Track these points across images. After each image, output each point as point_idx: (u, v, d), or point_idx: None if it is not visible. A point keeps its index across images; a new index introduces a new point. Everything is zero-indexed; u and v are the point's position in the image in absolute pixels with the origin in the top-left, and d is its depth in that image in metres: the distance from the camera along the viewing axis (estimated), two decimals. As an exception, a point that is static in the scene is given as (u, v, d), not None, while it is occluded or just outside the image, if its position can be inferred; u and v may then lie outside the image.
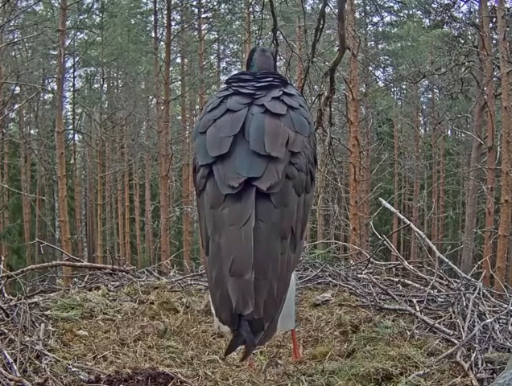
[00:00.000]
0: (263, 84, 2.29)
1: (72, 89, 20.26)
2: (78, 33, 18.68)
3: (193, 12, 19.36)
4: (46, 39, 16.03)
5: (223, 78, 21.95)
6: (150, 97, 23.14)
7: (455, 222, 22.06)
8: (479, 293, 2.99)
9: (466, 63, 12.88)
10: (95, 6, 19.02)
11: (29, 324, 2.74)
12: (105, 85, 23.28)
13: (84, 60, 20.11)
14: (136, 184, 22.86)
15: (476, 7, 13.13)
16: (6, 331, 2.61)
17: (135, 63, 20.97)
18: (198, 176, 2.13)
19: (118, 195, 22.60)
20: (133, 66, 21.00)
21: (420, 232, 4.02)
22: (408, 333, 2.75)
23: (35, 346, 2.46)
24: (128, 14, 20.04)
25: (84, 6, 17.83)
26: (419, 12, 18.05)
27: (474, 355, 2.38)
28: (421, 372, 2.26)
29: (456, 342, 2.57)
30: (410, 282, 3.72)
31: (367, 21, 19.55)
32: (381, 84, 18.38)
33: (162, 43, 16.87)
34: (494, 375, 2.24)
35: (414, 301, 3.19)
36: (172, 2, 16.16)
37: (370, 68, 17.13)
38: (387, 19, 19.75)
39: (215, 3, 18.88)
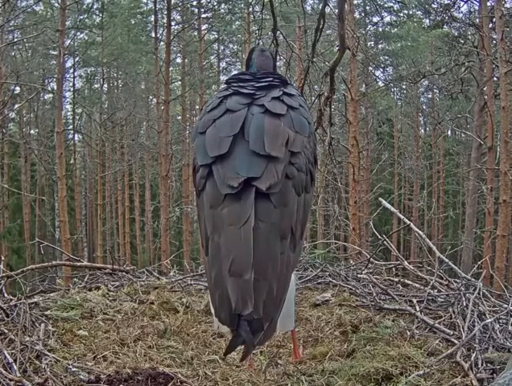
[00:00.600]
0: (263, 84, 2.29)
1: (72, 89, 20.26)
2: (78, 33, 18.68)
3: (193, 12, 19.36)
4: (46, 38, 16.03)
5: (223, 78, 21.97)
6: (150, 97, 23.17)
7: (455, 222, 22.06)
8: (479, 293, 2.99)
9: (466, 64, 12.89)
10: (95, 6, 19.02)
11: (29, 324, 2.74)
12: (105, 85, 23.29)
13: (84, 60, 20.09)
14: (136, 184, 22.86)
15: (476, 7, 13.15)
16: (6, 331, 2.61)
17: (135, 63, 20.97)
18: (198, 176, 2.13)
19: (118, 194, 22.61)
20: (133, 66, 21.00)
21: (420, 232, 4.01)
22: (408, 333, 2.75)
23: (35, 346, 2.46)
24: (128, 14, 20.03)
25: (84, 6, 17.83)
26: (419, 12, 18.05)
27: (474, 355, 2.38)
28: (421, 372, 2.26)
29: (456, 342, 2.57)
30: (410, 282, 3.72)
31: (367, 21, 19.55)
32: (381, 84, 18.38)
33: (162, 43, 16.88)
34: (494, 375, 2.24)
35: (414, 301, 3.19)
36: (172, 2, 16.16)
37: (370, 68, 17.11)
38: (387, 19, 19.76)
39: (215, 3, 18.89)
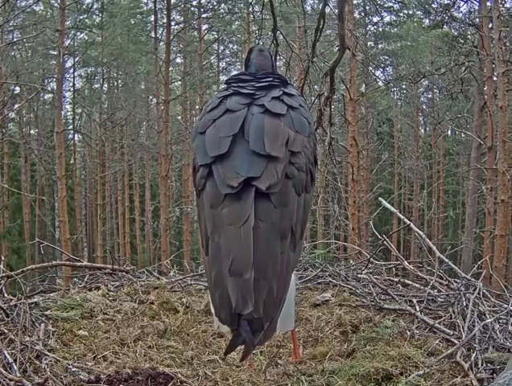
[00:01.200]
0: (263, 84, 2.29)
1: (72, 89, 20.26)
2: (78, 33, 18.69)
3: (193, 12, 19.36)
4: (45, 38, 16.03)
5: (222, 78, 21.97)
6: (150, 97, 23.17)
7: (455, 222, 22.06)
8: (479, 293, 2.98)
9: (466, 63, 12.89)
10: (95, 6, 19.03)
11: (29, 324, 2.74)
12: (105, 85, 23.29)
13: (84, 60, 20.10)
14: (136, 184, 22.86)
15: (476, 7, 13.15)
16: (6, 331, 2.61)
17: (135, 63, 20.97)
18: (198, 176, 2.13)
19: (118, 194, 22.61)
20: (133, 66, 21.01)
21: (420, 232, 4.01)
22: (408, 333, 2.74)
23: (35, 346, 2.46)
24: (128, 14, 20.03)
25: (84, 6, 17.83)
26: (418, 12, 18.05)
27: (474, 355, 2.37)
28: (421, 372, 2.25)
29: (456, 342, 2.57)
30: (410, 282, 3.71)
31: (367, 21, 19.56)
32: (380, 83, 18.38)
33: (162, 43, 16.88)
34: (494, 375, 2.24)
35: (414, 301, 3.19)
36: (172, 2, 16.16)
37: (370, 68, 17.11)
38: (387, 19, 19.78)
39: (215, 3, 18.88)
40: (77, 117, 21.95)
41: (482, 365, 2.31)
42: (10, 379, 2.12)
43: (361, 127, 17.70)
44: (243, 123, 2.08)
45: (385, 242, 4.08)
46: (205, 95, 19.89)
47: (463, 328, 2.65)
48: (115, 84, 23.88)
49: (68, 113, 22.50)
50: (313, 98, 5.96)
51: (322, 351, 2.64)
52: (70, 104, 20.49)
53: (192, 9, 19.20)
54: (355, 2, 15.56)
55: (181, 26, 18.26)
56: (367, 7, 18.59)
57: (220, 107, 2.20)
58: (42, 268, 4.02)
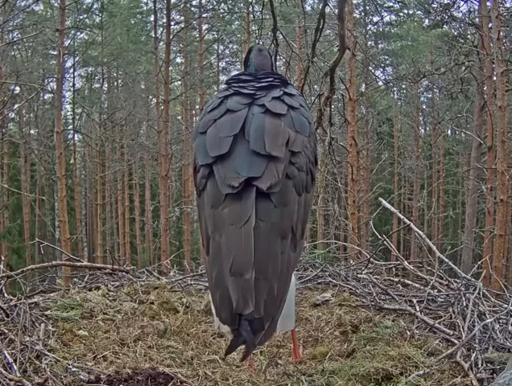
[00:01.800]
0: (263, 84, 2.29)
1: (72, 89, 20.26)
2: (78, 33, 18.68)
3: (193, 12, 19.36)
4: (45, 38, 16.03)
5: (222, 78, 21.98)
6: (150, 97, 23.17)
7: (455, 222, 22.06)
8: (479, 293, 2.98)
9: (466, 63, 12.89)
10: (95, 6, 19.02)
11: (29, 324, 2.74)
12: (105, 85, 23.29)
13: (84, 60, 20.10)
14: (136, 184, 22.86)
15: (476, 7, 13.15)
16: (6, 331, 2.61)
17: (135, 62, 20.97)
18: (198, 176, 2.13)
19: (118, 194, 22.61)
20: (133, 66, 21.00)
21: (420, 231, 4.01)
22: (408, 333, 2.75)
23: (35, 346, 2.46)
24: (127, 13, 20.03)
25: (84, 6, 17.83)
26: (419, 12, 18.05)
27: (474, 355, 2.38)
28: (421, 372, 2.26)
29: (456, 342, 2.57)
30: (410, 282, 3.71)
31: (367, 20, 19.56)
32: (380, 83, 18.38)
33: (161, 42, 16.88)
34: (494, 375, 2.24)
35: (414, 301, 3.19)
36: (172, 2, 16.15)
37: (370, 68, 17.12)
38: (387, 19, 19.78)
39: (215, 3, 18.88)
40: (77, 117, 21.94)
41: (482, 365, 2.31)
42: (10, 379, 2.12)
43: (360, 127, 17.71)
44: (244, 123, 2.08)
45: (385, 242, 4.08)
46: (205, 95, 19.89)
47: (463, 328, 2.65)
48: (115, 83, 23.88)
49: (68, 113, 22.52)
50: (313, 98, 5.96)
51: (322, 351, 2.64)
52: (70, 104, 20.50)
53: (192, 9, 19.21)
54: (355, 1, 15.57)
55: (181, 25, 18.25)
56: (367, 7, 18.59)
57: (220, 107, 2.20)
58: (42, 268, 4.02)
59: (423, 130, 24.45)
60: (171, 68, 17.89)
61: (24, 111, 20.93)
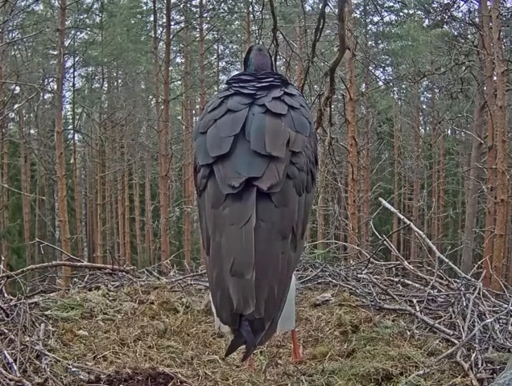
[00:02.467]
0: (264, 84, 2.29)
1: (72, 89, 20.27)
2: (78, 33, 18.69)
3: (193, 12, 19.36)
4: (45, 38, 16.04)
5: (222, 78, 21.99)
6: (150, 97, 23.17)
7: (455, 222, 22.07)
8: (479, 293, 2.98)
9: (466, 63, 12.89)
10: (95, 6, 19.03)
11: (29, 324, 2.74)
12: (105, 85, 23.29)
13: (84, 60, 20.10)
14: (136, 184, 22.87)
15: (476, 7, 13.15)
16: (6, 331, 2.61)
17: (135, 62, 20.98)
18: (199, 176, 2.12)
19: (118, 194, 22.61)
20: (133, 66, 21.01)
21: (420, 231, 4.02)
22: (408, 333, 2.75)
23: (35, 346, 2.46)
24: (127, 13, 20.04)
25: (84, 6, 17.83)
26: (419, 12, 18.05)
27: (474, 355, 2.38)
28: (421, 372, 2.26)
29: (456, 342, 2.57)
30: (410, 282, 3.72)
31: (367, 20, 19.56)
32: (381, 83, 18.38)
33: (161, 42, 16.88)
34: (494, 375, 2.24)
35: (414, 301, 3.19)
36: (172, 2, 16.15)
37: (370, 68, 17.12)
38: (387, 19, 19.78)
39: (215, 3, 18.88)
40: (77, 117, 21.95)
41: (482, 365, 2.32)
42: (10, 379, 2.12)
43: (361, 127, 17.71)
44: (244, 123, 2.08)
45: (385, 242, 4.08)
46: (206, 95, 19.90)
47: (463, 328, 2.65)
48: (115, 83, 23.88)
49: (68, 113, 22.54)
50: (313, 98, 5.96)
51: (322, 351, 2.64)
52: (70, 103, 20.51)
53: (192, 9, 19.21)
54: (355, 1, 15.57)
55: (181, 25, 18.25)
56: (367, 7, 18.59)
57: (221, 107, 2.20)
58: (42, 268, 4.03)
59: (423, 130, 24.48)
60: (171, 68, 17.89)
61: (24, 111, 20.92)
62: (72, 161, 22.66)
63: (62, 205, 12.46)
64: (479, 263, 4.36)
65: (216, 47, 22.56)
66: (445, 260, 3.62)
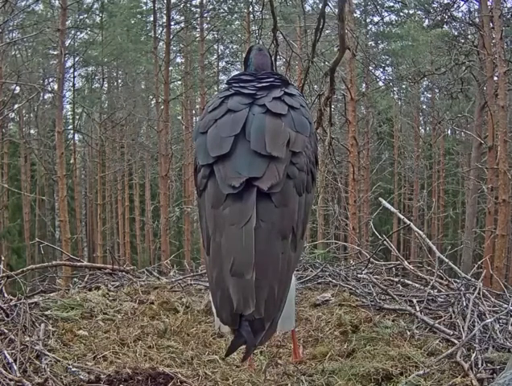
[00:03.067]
0: (264, 84, 2.29)
1: (72, 89, 20.27)
2: (78, 33, 18.69)
3: (193, 12, 19.36)
4: (46, 38, 16.04)
5: (222, 78, 21.99)
6: (150, 97, 23.18)
7: (455, 222, 22.06)
8: (479, 293, 2.98)
9: (466, 63, 12.88)
10: (95, 6, 19.02)
11: (29, 324, 2.74)
12: (105, 85, 23.29)
13: (85, 60, 20.10)
14: (136, 184, 22.87)
15: (476, 7, 13.15)
16: (6, 331, 2.61)
17: (135, 62, 20.98)
18: (199, 176, 2.12)
19: (118, 194, 22.62)
20: (133, 66, 21.01)
21: (420, 231, 4.02)
22: (408, 333, 2.75)
23: (35, 346, 2.46)
24: (128, 13, 20.04)
25: (85, 6, 17.83)
26: (419, 12, 18.04)
27: (474, 355, 2.38)
28: (421, 372, 2.26)
29: (456, 342, 2.57)
30: (410, 282, 3.72)
31: (367, 20, 19.56)
32: (381, 83, 18.38)
33: (161, 42, 16.87)
34: (494, 375, 2.24)
35: (414, 301, 3.19)
36: (172, 2, 16.15)
37: (370, 68, 17.12)
38: (387, 19, 19.78)
39: (215, 3, 18.88)
40: (77, 117, 21.95)
41: (482, 365, 2.32)
42: (10, 379, 2.12)
43: (361, 127, 17.71)
44: (245, 123, 2.08)
45: (385, 242, 4.08)
46: (206, 95, 19.91)
47: (463, 328, 2.65)
48: (115, 83, 23.88)
49: (68, 113, 22.53)
50: (313, 98, 5.96)
51: (322, 351, 2.64)
52: (70, 103, 20.51)
53: (193, 9, 19.21)
54: (355, 1, 15.56)
55: (181, 25, 18.25)
56: (368, 7, 18.59)
57: (221, 107, 2.20)
58: (42, 268, 4.03)
59: (423, 130, 24.48)
60: (171, 68, 17.89)
61: (24, 111, 20.91)
62: (72, 161, 22.65)
63: (62, 205, 12.45)
64: (479, 263, 4.36)
65: (216, 47, 22.55)
66: (445, 260, 3.62)
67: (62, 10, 12.02)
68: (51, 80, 20.04)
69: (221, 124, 2.13)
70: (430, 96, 21.96)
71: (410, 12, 19.18)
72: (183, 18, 18.65)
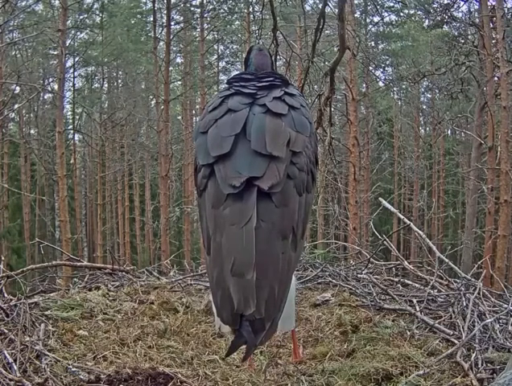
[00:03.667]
0: (264, 83, 2.29)
1: (72, 89, 20.26)
2: (78, 33, 18.69)
3: (193, 12, 19.36)
4: (46, 38, 16.03)
5: (222, 78, 21.99)
6: (150, 97, 23.18)
7: (455, 222, 22.07)
8: (479, 293, 2.98)
9: (466, 63, 12.88)
10: (95, 6, 19.02)
11: (29, 324, 2.74)
12: (105, 85, 23.29)
13: (85, 60, 20.10)
14: (136, 184, 22.87)
15: (476, 7, 13.16)
16: (6, 331, 2.61)
17: (135, 62, 20.98)
18: (199, 176, 2.12)
19: (118, 194, 22.62)
20: (133, 66, 21.01)
21: (420, 231, 4.01)
22: (408, 333, 2.75)
23: (35, 346, 2.46)
24: (128, 13, 20.04)
25: (85, 6, 17.83)
26: (419, 12, 18.05)
27: (474, 355, 2.38)
28: (421, 372, 2.26)
29: (456, 342, 2.57)
30: (410, 282, 3.72)
31: (367, 21, 19.56)
32: (381, 83, 18.38)
33: (162, 42, 16.88)
34: (494, 375, 2.24)
35: (414, 301, 3.19)
36: (172, 2, 16.15)
37: (370, 68, 17.11)
38: (387, 19, 19.79)
39: (215, 3, 18.88)
40: (77, 117, 21.95)
41: (482, 365, 2.32)
42: (10, 379, 2.12)
43: (361, 127, 17.70)
44: (245, 123, 2.08)
45: (385, 242, 4.08)
46: (206, 95, 19.92)
47: (463, 328, 2.65)
48: (115, 83, 23.89)
49: (69, 113, 22.53)
50: (313, 98, 5.96)
51: (322, 351, 2.64)
52: (70, 103, 20.50)
53: (192, 9, 19.21)
54: (355, 1, 15.56)
55: (181, 25, 18.25)
56: (368, 7, 18.59)
57: (221, 107, 2.20)
58: (42, 268, 4.03)
59: (423, 130, 24.48)
60: (171, 68, 17.89)
61: (24, 111, 20.92)
62: (72, 161, 22.65)
63: (63, 205, 12.46)
64: (479, 263, 4.36)
65: (216, 47, 22.56)
66: (445, 260, 3.62)
67: (63, 10, 12.02)
68: (51, 80, 20.04)
69: (222, 123, 2.13)
70: (430, 96, 21.98)
71: (411, 12, 19.20)
72: (182, 18, 18.64)
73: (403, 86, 21.03)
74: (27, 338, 2.53)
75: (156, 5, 16.75)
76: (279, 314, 1.93)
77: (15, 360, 2.27)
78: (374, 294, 3.37)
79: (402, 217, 4.41)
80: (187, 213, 17.17)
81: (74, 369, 2.27)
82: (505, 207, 10.06)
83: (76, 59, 19.86)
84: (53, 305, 3.12)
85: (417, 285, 3.59)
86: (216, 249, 1.94)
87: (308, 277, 3.97)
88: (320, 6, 6.10)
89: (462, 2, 13.65)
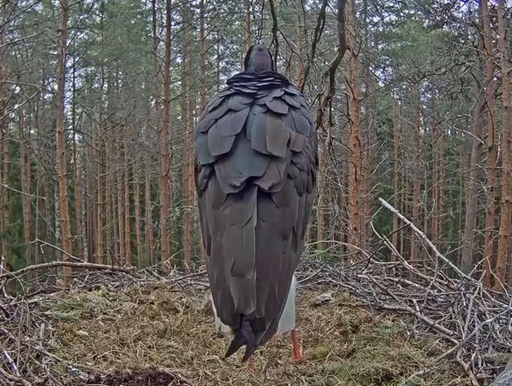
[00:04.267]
0: (265, 83, 2.29)
1: (72, 89, 20.26)
2: (78, 33, 18.69)
3: (193, 12, 19.36)
4: (46, 38, 16.03)
5: (222, 78, 21.99)
6: (150, 97, 23.18)
7: (455, 222, 22.07)
8: (479, 293, 2.98)
9: (466, 63, 12.89)
10: (95, 6, 19.02)
11: (29, 324, 2.74)
12: (105, 85, 23.29)
13: (85, 60, 20.10)
14: (136, 184, 22.87)
15: (476, 7, 13.16)
16: (6, 331, 2.61)
17: (135, 63, 20.98)
18: (200, 176, 2.12)
19: (118, 195, 22.62)
20: (133, 66, 21.01)
21: (420, 232, 4.01)
22: (408, 333, 2.75)
23: (35, 346, 2.46)
24: (128, 13, 20.04)
25: (85, 6, 17.82)
26: (419, 12, 18.05)
27: (474, 355, 2.38)
28: (421, 372, 2.26)
29: (456, 342, 2.57)
30: (410, 282, 3.72)
31: (367, 21, 19.56)
32: (381, 84, 18.38)
33: (162, 42, 16.87)
34: (494, 375, 2.24)
35: (414, 301, 3.19)
36: (172, 2, 16.14)
37: (370, 68, 17.11)
38: (387, 19, 19.79)
39: (215, 3, 18.88)
40: (77, 117, 21.95)
41: (482, 365, 2.32)
42: (10, 379, 2.12)
43: (361, 127, 17.69)
44: (245, 123, 2.08)
45: (385, 242, 4.08)
46: (206, 95, 19.92)
47: (463, 328, 2.65)
48: (115, 83, 23.89)
49: (69, 113, 22.52)
50: (313, 98, 5.96)
51: (322, 351, 2.64)
52: (70, 103, 20.50)
53: (192, 9, 19.21)
54: (356, 1, 15.55)
55: (181, 25, 18.25)
56: (368, 7, 18.59)
57: (222, 107, 2.20)
58: (42, 268, 4.03)
59: (423, 130, 24.49)
60: (171, 68, 17.88)
61: (24, 111, 20.91)
62: (72, 161, 22.65)
63: (63, 205, 12.45)
64: (479, 263, 4.36)
65: (216, 47, 22.55)
66: (445, 260, 3.62)
67: (63, 10, 12.01)
68: (51, 80, 20.05)
69: (222, 123, 2.13)
70: (430, 96, 21.98)
71: (410, 12, 19.21)
72: (182, 18, 18.64)
73: (403, 86, 21.03)
74: (27, 338, 2.53)
75: (156, 5, 16.74)
76: (279, 314, 1.94)
77: (15, 360, 2.26)
78: (374, 294, 3.37)
79: (402, 217, 4.41)
80: (187, 213, 17.18)
81: (74, 369, 2.27)
82: (506, 208, 10.05)
83: (76, 59, 19.86)
84: (53, 305, 3.12)
85: (417, 285, 3.59)
86: (217, 249, 1.95)
87: (308, 277, 3.97)
88: (320, 6, 6.10)
89: (462, 2, 13.66)
